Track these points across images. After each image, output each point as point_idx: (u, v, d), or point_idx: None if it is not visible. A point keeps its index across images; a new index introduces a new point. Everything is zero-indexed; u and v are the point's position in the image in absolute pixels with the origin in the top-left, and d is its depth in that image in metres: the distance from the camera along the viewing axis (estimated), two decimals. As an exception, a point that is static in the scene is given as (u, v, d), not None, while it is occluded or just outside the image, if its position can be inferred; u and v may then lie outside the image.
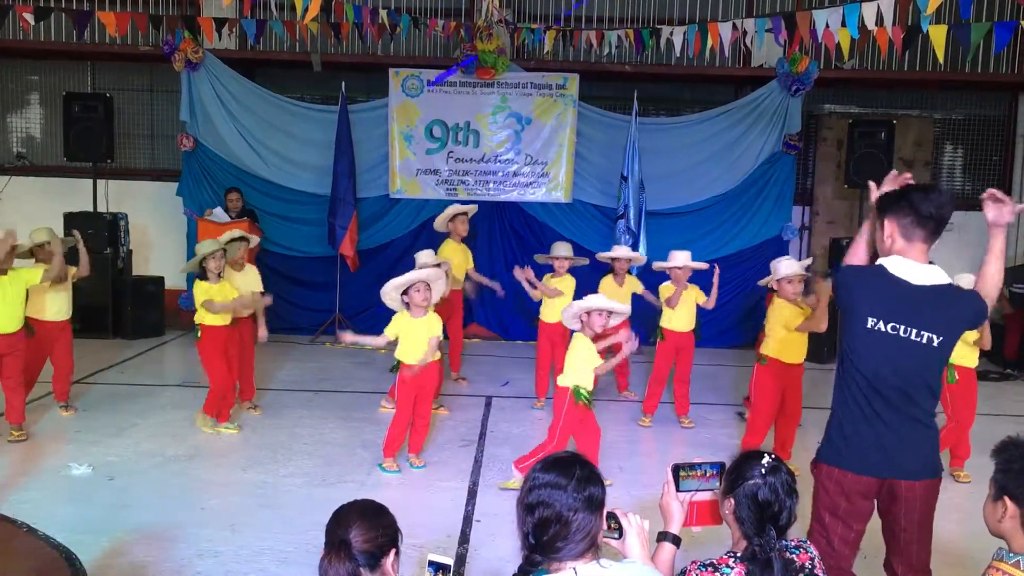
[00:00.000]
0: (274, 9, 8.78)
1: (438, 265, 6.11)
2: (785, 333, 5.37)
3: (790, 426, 5.50)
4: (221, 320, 5.80)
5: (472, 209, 7.52)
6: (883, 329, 2.81)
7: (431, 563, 2.17)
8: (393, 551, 2.12)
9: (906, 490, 2.88)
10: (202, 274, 5.79)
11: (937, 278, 2.85)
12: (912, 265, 2.84)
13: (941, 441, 3.14)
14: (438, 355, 5.44)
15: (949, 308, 2.83)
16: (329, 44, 9.45)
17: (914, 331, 2.79)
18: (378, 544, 2.09)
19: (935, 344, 2.81)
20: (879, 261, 2.93)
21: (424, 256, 6.27)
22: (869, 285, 2.89)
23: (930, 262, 2.88)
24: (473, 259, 7.53)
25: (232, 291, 5.91)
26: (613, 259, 6.82)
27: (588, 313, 4.96)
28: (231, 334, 5.96)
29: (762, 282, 5.94)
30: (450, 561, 2.18)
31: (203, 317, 5.76)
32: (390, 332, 5.26)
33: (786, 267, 5.41)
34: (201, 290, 5.75)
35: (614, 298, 5.40)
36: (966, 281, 5.37)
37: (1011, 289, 9.05)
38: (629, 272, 6.99)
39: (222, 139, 9.27)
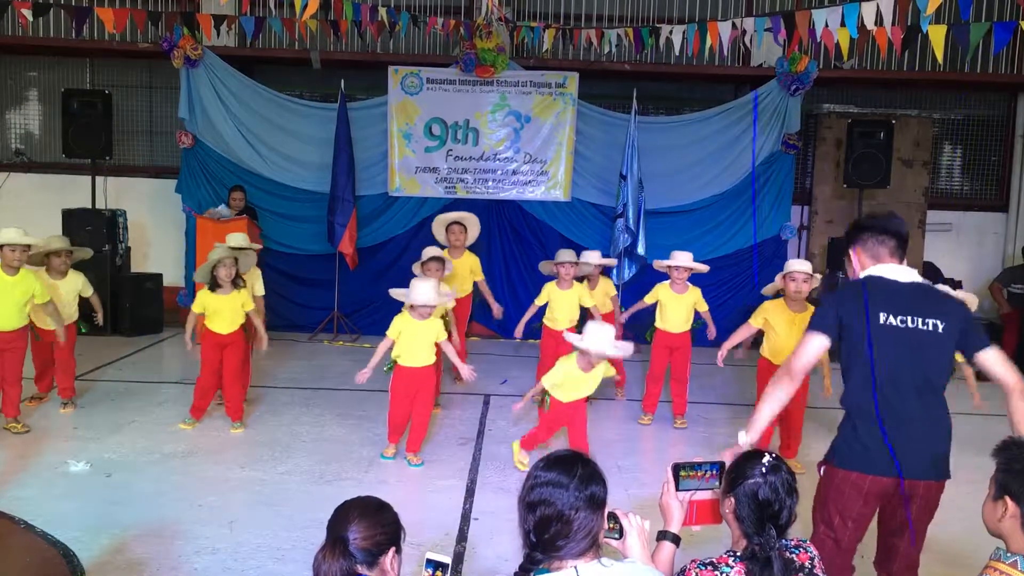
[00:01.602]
0: (273, 7, 8.77)
1: (441, 261, 6.19)
2: (777, 336, 5.43)
3: (794, 426, 5.48)
4: (219, 327, 5.78)
5: (464, 217, 7.25)
6: (894, 323, 2.87)
7: (429, 561, 2.17)
8: (393, 549, 2.12)
9: (924, 491, 2.88)
10: (212, 282, 5.72)
11: (918, 277, 3.00)
12: (893, 268, 2.98)
13: None
14: (433, 358, 5.46)
15: (943, 301, 2.98)
16: (328, 42, 9.45)
17: (920, 320, 2.88)
18: (376, 542, 2.09)
19: (940, 331, 2.87)
20: (862, 274, 3.03)
21: (430, 251, 6.31)
22: (870, 286, 2.94)
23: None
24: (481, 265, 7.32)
25: (248, 301, 5.89)
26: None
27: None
28: (232, 340, 5.85)
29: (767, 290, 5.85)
30: (448, 559, 2.18)
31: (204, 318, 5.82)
32: (392, 333, 5.32)
33: (796, 264, 5.50)
34: (198, 303, 5.79)
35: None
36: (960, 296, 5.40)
37: (1009, 289, 9.05)
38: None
39: (221, 136, 9.26)
